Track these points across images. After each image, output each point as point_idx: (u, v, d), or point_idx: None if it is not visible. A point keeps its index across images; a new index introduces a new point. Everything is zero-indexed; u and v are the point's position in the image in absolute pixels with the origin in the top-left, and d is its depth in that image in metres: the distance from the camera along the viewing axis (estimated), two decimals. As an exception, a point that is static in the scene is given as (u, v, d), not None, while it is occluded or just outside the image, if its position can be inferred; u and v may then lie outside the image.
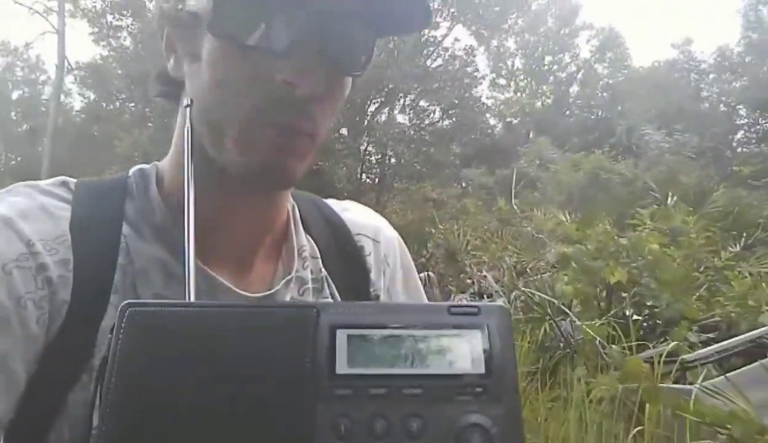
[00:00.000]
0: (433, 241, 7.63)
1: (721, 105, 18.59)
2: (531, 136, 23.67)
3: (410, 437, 0.34)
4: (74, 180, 0.64)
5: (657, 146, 13.02)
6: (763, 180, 9.13)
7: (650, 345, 3.89)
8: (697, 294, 4.57)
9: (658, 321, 4.32)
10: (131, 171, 0.66)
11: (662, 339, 4.13)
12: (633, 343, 3.47)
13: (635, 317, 3.80)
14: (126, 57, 18.80)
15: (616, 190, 11.38)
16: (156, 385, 0.35)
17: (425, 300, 0.80)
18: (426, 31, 15.68)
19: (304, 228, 0.71)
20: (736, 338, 3.50)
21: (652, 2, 45.03)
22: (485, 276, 6.24)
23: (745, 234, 6.05)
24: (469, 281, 6.52)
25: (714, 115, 17.78)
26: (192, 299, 0.48)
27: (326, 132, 0.60)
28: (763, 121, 17.49)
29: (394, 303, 0.38)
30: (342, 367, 0.35)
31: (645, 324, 4.30)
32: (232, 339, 0.36)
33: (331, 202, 0.77)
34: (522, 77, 28.43)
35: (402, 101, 17.67)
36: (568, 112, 26.89)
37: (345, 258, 0.68)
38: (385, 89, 14.77)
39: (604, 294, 3.99)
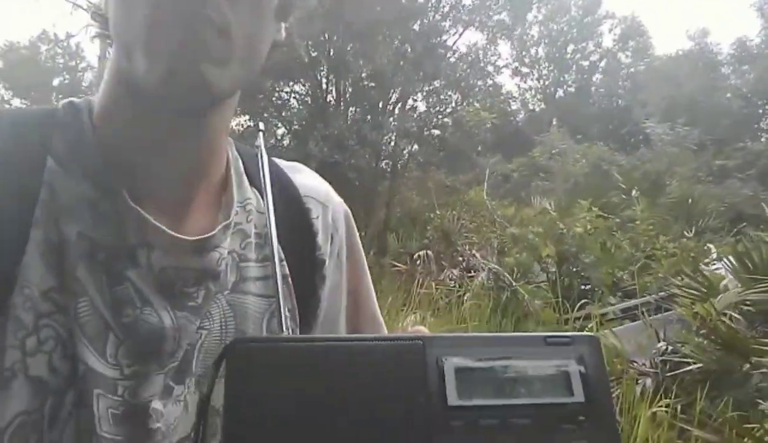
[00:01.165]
0: (432, 225, 8.92)
1: (732, 96, 19.29)
2: (554, 123, 24.57)
3: None
4: None
5: (659, 138, 14.00)
6: (747, 172, 10.14)
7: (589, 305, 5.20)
8: (633, 268, 5.82)
9: (596, 288, 5.62)
10: (62, 103, 0.63)
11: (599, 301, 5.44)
12: (557, 300, 4.76)
13: (568, 283, 5.08)
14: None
15: (614, 180, 12.42)
16: (272, 424, 0.36)
17: (369, 281, 0.80)
18: (437, 37, 16.70)
19: (250, 182, 0.69)
20: (633, 301, 4.77)
21: None
22: (474, 255, 7.54)
23: (698, 221, 7.22)
24: (460, 258, 7.82)
25: (726, 107, 18.55)
26: (284, 322, 0.53)
27: (252, 48, 0.56)
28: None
29: (493, 335, 0.40)
30: (453, 399, 0.37)
31: (582, 289, 5.59)
32: (343, 375, 0.37)
33: (279, 161, 0.74)
34: (545, 65, 29.17)
35: (422, 88, 18.68)
36: (591, 101, 27.61)
37: (291, 218, 0.66)
38: (396, 91, 15.92)
39: (544, 265, 5.28)
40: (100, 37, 0.61)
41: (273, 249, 0.58)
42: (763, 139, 16.59)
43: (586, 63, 28.65)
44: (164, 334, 0.57)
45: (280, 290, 0.56)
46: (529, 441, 0.38)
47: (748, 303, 3.55)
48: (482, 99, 23.46)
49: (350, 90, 14.58)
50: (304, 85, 13.32)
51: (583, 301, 4.93)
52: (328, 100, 13.29)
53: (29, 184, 0.56)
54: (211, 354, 0.60)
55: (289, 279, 0.62)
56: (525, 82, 28.75)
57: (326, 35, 12.00)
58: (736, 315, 3.44)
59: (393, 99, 18.46)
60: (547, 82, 28.72)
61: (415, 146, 20.47)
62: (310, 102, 13.44)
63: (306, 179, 0.75)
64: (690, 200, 7.42)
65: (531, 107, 28.51)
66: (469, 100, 22.99)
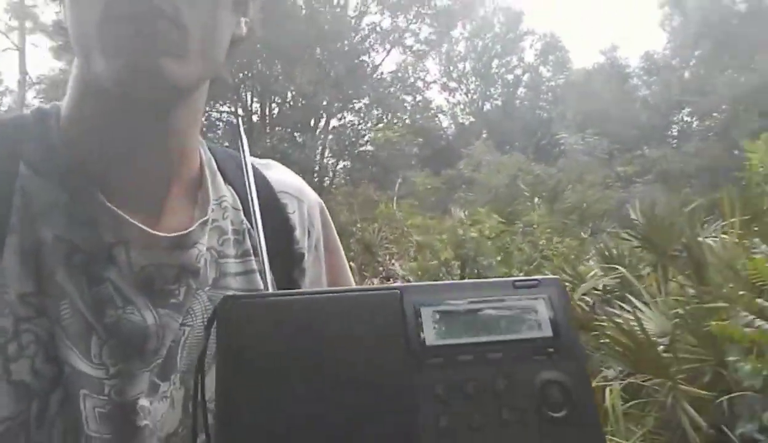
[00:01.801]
0: (354, 238, 9.48)
1: (641, 106, 20.86)
2: (483, 136, 25.75)
3: (498, 395, 0.40)
4: None
5: (572, 148, 15.13)
6: (645, 177, 11.19)
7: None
8: (530, 267, 6.53)
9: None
10: (30, 110, 0.64)
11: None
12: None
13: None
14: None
15: (532, 188, 13.37)
16: (266, 371, 0.39)
17: (349, 273, 0.83)
18: (362, 57, 17.35)
19: (225, 180, 0.70)
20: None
21: (584, 10, 48.30)
22: (393, 264, 8.13)
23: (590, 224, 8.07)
24: (381, 269, 8.39)
25: (635, 116, 20.05)
26: (269, 288, 0.57)
27: (209, 37, 0.56)
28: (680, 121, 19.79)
29: (465, 282, 0.44)
30: (431, 339, 0.41)
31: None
32: (329, 323, 0.40)
33: (253, 159, 0.73)
34: (472, 80, 30.45)
35: (347, 107, 19.30)
36: (516, 114, 28.99)
37: (268, 214, 0.65)
38: (322, 110, 16.54)
39: (448, 268, 5.91)
40: (66, 50, 0.59)
41: (257, 228, 0.60)
42: (674, 145, 18.05)
43: (510, 77, 30.13)
44: (147, 332, 0.57)
45: (263, 251, 0.58)
46: (503, 373, 0.41)
47: (599, 289, 4.25)
48: (411, 114, 24.48)
49: (276, 110, 15.02)
50: (230, 107, 13.65)
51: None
52: (254, 120, 13.71)
53: (2, 191, 0.56)
54: (195, 349, 0.61)
55: (269, 273, 0.60)
56: (453, 97, 29.96)
57: (251, 57, 12.46)
58: (587, 299, 4.12)
59: (320, 118, 19.03)
60: (474, 96, 29.99)
61: (348, 162, 21.12)
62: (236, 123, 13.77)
63: (279, 175, 0.76)
64: (584, 205, 8.27)
65: (461, 121, 29.65)
66: (399, 116, 23.94)
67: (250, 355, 0.39)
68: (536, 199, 8.19)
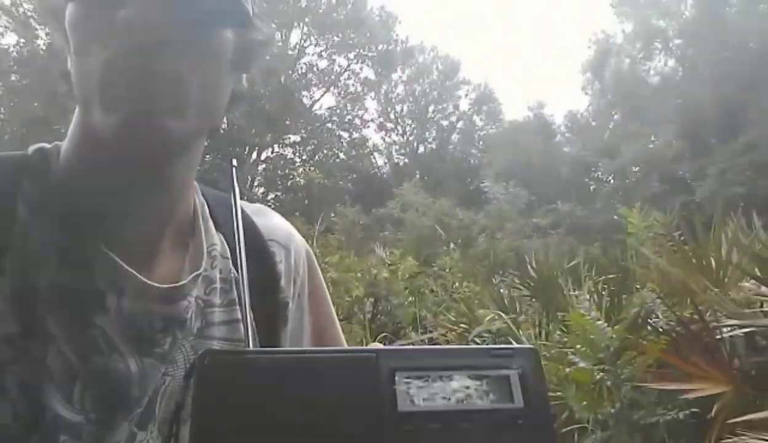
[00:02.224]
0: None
1: (562, 161, 22.28)
2: (416, 177, 26.63)
3: None
4: None
5: (495, 197, 16.02)
6: (557, 229, 12.05)
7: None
8: (439, 308, 7.00)
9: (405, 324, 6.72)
10: (31, 149, 0.64)
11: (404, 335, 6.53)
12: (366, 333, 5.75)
13: (374, 318, 6.11)
14: None
15: (454, 233, 14.09)
16: (238, 427, 0.39)
17: (335, 316, 0.83)
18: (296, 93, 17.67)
19: (216, 227, 0.71)
20: (430, 334, 5.90)
21: (516, 66, 51.72)
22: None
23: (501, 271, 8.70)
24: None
25: (556, 171, 21.37)
26: (250, 346, 0.57)
27: (210, 93, 0.58)
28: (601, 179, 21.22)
29: (441, 348, 0.44)
30: (403, 405, 0.41)
31: (397, 324, 6.67)
32: (304, 384, 0.41)
33: (244, 204, 0.73)
34: (408, 122, 31.48)
35: (279, 140, 19.59)
36: (449, 158, 30.14)
37: (255, 262, 0.65)
38: (255, 143, 16.84)
39: (359, 305, 6.30)
40: (70, 97, 0.60)
41: (242, 281, 0.60)
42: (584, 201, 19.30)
43: (445, 123, 31.39)
44: (131, 381, 0.58)
45: (247, 304, 0.58)
46: None
47: (491, 331, 4.75)
48: (347, 151, 25.06)
49: (207, 141, 15.19)
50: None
51: (383, 334, 5.99)
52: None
53: (1, 231, 0.56)
54: (174, 399, 0.61)
55: (251, 327, 0.60)
56: (390, 137, 30.83)
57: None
58: (477, 341, 4.61)
59: (253, 149, 19.19)
60: (410, 138, 30.97)
61: (280, 193, 21.36)
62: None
63: (269, 222, 0.77)
64: (492, 252, 8.92)
65: (396, 160, 30.47)
66: (334, 151, 24.44)
67: (223, 411, 0.39)
68: (452, 245, 8.76)
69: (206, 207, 0.72)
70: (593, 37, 24.14)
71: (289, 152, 23.09)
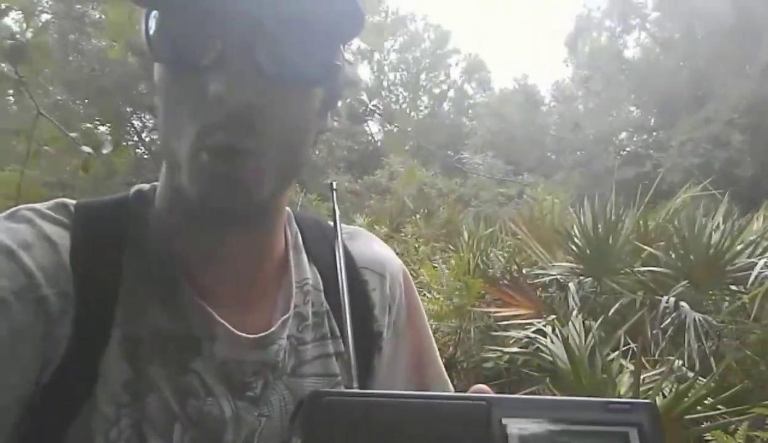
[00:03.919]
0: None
1: (546, 131, 23.68)
2: (407, 147, 27.93)
3: None
4: (73, 202, 0.64)
5: (474, 167, 17.52)
6: (521, 199, 13.60)
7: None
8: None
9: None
10: (132, 191, 0.67)
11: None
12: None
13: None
14: None
15: (432, 201, 15.60)
16: None
17: (432, 339, 0.81)
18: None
19: (308, 256, 0.71)
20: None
21: (505, 37, 52.87)
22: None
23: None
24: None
25: (536, 141, 22.80)
26: (354, 383, 0.55)
27: (294, 151, 0.58)
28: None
29: (555, 399, 0.41)
30: None
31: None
32: (412, 430, 0.40)
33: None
34: (401, 90, 32.68)
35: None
36: (441, 126, 31.43)
37: (348, 292, 0.63)
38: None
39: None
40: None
41: (346, 323, 0.59)
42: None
43: (437, 91, 32.58)
44: (225, 424, 0.61)
45: (351, 347, 0.57)
46: None
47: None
48: (339, 118, 26.19)
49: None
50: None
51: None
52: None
53: (110, 283, 0.59)
54: (271, 439, 0.63)
55: (355, 367, 0.58)
56: (383, 105, 32.02)
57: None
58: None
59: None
60: (403, 106, 32.21)
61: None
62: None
63: (362, 248, 0.77)
64: (449, 222, 10.49)
65: (389, 128, 31.75)
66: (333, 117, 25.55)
67: None
68: (417, 215, 10.32)
69: (299, 236, 0.73)
70: (576, 10, 25.39)
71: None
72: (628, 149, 16.55)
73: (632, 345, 3.15)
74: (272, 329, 0.65)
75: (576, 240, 4.04)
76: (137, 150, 16.01)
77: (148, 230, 0.63)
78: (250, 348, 0.63)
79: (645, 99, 19.41)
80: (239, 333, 0.63)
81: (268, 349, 0.64)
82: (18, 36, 2.44)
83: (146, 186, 0.68)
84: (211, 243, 0.63)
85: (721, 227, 3.70)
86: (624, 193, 4.70)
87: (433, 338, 0.82)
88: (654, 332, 3.25)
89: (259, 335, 0.64)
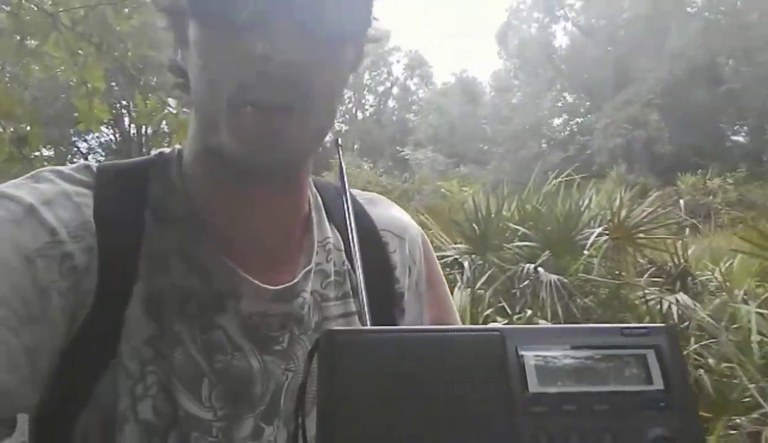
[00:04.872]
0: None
1: (486, 122, 24.86)
2: (356, 146, 28.70)
3: None
4: (96, 163, 0.65)
5: (416, 162, 18.52)
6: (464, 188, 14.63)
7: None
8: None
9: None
10: (153, 154, 0.68)
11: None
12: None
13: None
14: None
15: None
16: (363, 406, 0.39)
17: (452, 304, 0.82)
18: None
19: (328, 218, 0.72)
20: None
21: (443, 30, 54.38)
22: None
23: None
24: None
25: (481, 131, 23.96)
26: (369, 325, 0.55)
27: (330, 107, 0.60)
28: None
29: (569, 326, 0.41)
30: (534, 386, 0.40)
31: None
32: (428, 362, 0.40)
33: (356, 193, 0.76)
34: (346, 90, 33.27)
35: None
36: (387, 123, 32.32)
37: (368, 253, 0.65)
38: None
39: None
40: (183, 90, 0.63)
41: (358, 271, 0.60)
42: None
43: (381, 88, 33.43)
44: (253, 378, 0.61)
45: (362, 288, 0.58)
46: (610, 426, 0.39)
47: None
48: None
49: (151, 132, 17.22)
50: (114, 134, 15.68)
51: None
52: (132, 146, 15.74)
53: (133, 240, 0.60)
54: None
55: (368, 314, 0.59)
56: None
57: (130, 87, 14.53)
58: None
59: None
60: (349, 105, 32.97)
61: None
62: (115, 148, 15.86)
63: (382, 212, 0.78)
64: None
65: (336, 128, 32.40)
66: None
67: (349, 389, 0.39)
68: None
69: (319, 199, 0.74)
70: (506, 4, 26.59)
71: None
72: (554, 136, 17.77)
73: (503, 304, 4.09)
74: (296, 280, 0.65)
75: (466, 225, 4.96)
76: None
77: (172, 189, 0.64)
78: (275, 301, 0.63)
79: (574, 85, 20.73)
80: (263, 286, 0.63)
81: (292, 302, 0.65)
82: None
83: (168, 149, 0.69)
84: (238, 202, 0.64)
85: (571, 207, 4.69)
86: (555, 175, 5.28)
87: (453, 304, 0.84)
88: (513, 291, 4.19)
89: (283, 286, 0.64)
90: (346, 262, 0.71)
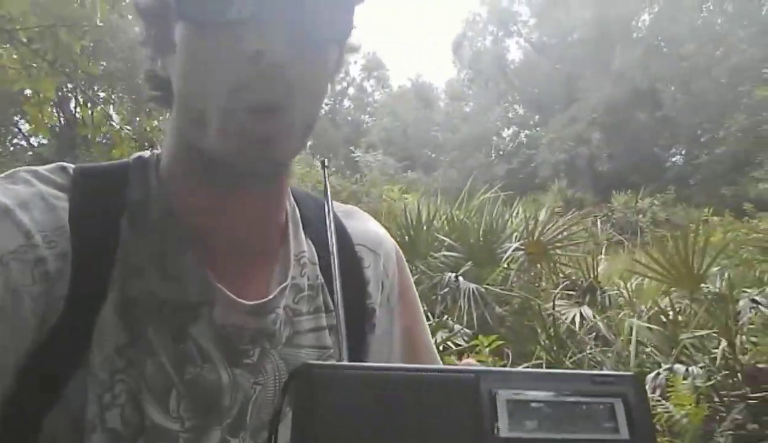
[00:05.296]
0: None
1: (439, 129, 25.38)
2: (309, 144, 28.68)
3: None
4: (73, 166, 0.64)
5: (366, 165, 18.80)
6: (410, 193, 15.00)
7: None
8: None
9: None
10: (132, 157, 0.67)
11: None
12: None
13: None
14: None
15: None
16: (336, 440, 0.39)
17: (422, 315, 0.83)
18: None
19: (305, 230, 0.72)
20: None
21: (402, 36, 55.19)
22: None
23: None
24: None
25: (433, 138, 24.46)
26: (344, 356, 0.55)
27: (316, 107, 0.60)
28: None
29: (542, 372, 0.42)
30: (504, 431, 0.40)
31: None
32: (401, 403, 0.40)
33: (335, 205, 0.75)
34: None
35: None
36: (342, 123, 32.53)
37: (343, 268, 0.63)
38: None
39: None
40: (162, 102, 0.63)
41: (337, 296, 0.59)
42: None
43: (338, 88, 33.59)
44: (222, 391, 0.61)
45: (341, 321, 0.57)
46: None
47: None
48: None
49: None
50: (59, 117, 15.36)
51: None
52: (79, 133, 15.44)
53: (108, 245, 0.59)
54: (265, 407, 0.64)
55: (345, 340, 0.57)
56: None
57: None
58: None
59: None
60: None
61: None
62: (59, 131, 15.56)
63: (358, 225, 0.78)
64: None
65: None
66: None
67: (324, 426, 0.39)
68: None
69: (297, 210, 0.73)
70: (463, 15, 27.23)
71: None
72: (502, 147, 18.42)
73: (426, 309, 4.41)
74: (271, 296, 0.65)
75: (397, 232, 5.26)
76: (28, 153, 16.07)
77: (149, 193, 0.64)
78: (248, 315, 0.63)
79: (525, 99, 21.45)
80: (238, 300, 0.62)
81: (265, 317, 0.64)
82: None
83: (146, 153, 0.68)
84: (217, 207, 0.63)
85: (494, 221, 5.06)
86: (502, 187, 5.70)
87: (424, 316, 0.85)
88: (433, 298, 4.52)
89: (257, 302, 0.64)
90: (320, 276, 0.71)
